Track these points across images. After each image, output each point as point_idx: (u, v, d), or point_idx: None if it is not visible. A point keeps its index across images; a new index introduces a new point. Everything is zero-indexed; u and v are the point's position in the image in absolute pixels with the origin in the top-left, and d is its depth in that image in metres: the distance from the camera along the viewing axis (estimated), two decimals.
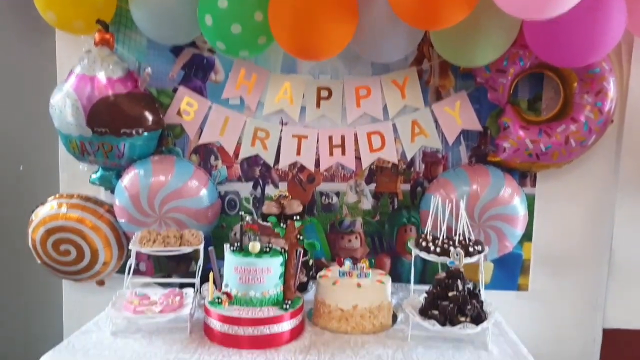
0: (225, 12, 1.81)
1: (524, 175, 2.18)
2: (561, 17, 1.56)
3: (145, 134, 2.07)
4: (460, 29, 1.70)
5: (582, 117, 2.01)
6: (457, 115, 2.17)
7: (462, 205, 1.82)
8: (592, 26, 1.71)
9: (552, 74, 2.09)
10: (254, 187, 2.27)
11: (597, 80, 1.99)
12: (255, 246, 1.72)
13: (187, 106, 2.22)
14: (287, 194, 2.11)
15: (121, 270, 2.06)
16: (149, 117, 2.07)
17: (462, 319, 1.59)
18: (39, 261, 2.13)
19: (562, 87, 2.09)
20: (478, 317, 1.61)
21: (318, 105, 2.21)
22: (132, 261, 1.83)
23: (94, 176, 2.21)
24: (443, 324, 1.59)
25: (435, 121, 2.17)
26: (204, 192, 2.10)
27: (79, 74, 2.02)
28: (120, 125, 2.02)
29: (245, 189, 2.27)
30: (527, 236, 2.16)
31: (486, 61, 1.94)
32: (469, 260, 1.72)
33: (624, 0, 1.71)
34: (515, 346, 1.66)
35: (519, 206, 2.03)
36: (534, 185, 2.19)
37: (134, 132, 2.04)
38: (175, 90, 2.22)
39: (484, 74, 2.06)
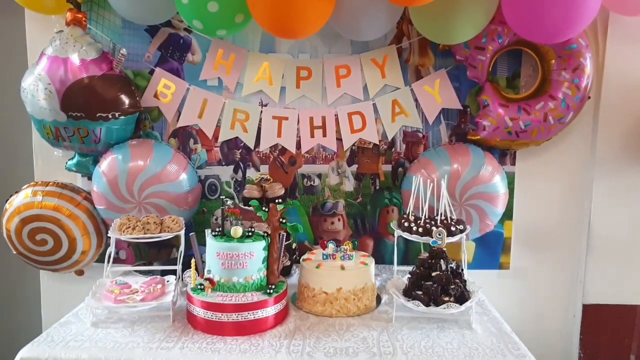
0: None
1: (503, 154, 2.14)
2: None
3: (122, 117, 1.96)
4: (438, 5, 1.64)
5: (560, 94, 1.97)
6: (437, 93, 2.10)
7: (444, 184, 1.77)
8: (569, 1, 1.65)
9: (530, 51, 2.03)
10: (235, 170, 2.18)
11: (574, 57, 1.94)
12: (237, 231, 1.64)
13: (164, 88, 2.10)
14: (268, 177, 2.03)
15: (100, 259, 1.97)
16: (126, 100, 1.95)
17: (446, 298, 1.55)
18: (14, 252, 2.01)
19: (540, 64, 2.03)
20: (462, 297, 1.58)
21: (298, 85, 2.11)
22: (111, 249, 1.74)
23: (70, 162, 2.09)
24: (427, 304, 1.55)
25: (416, 100, 2.10)
26: (183, 176, 2.01)
27: (50, 56, 1.88)
28: (96, 109, 1.90)
29: (225, 173, 2.18)
30: (508, 214, 2.13)
31: (465, 38, 1.86)
32: (451, 239, 1.67)
33: None
34: (498, 324, 1.64)
35: (499, 184, 1.99)
36: (513, 163, 2.15)
37: (110, 115, 1.93)
38: (151, 72, 2.10)
39: (463, 51, 1.99)
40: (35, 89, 1.87)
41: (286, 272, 1.91)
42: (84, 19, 1.94)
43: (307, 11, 1.64)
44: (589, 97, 2.01)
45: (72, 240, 1.99)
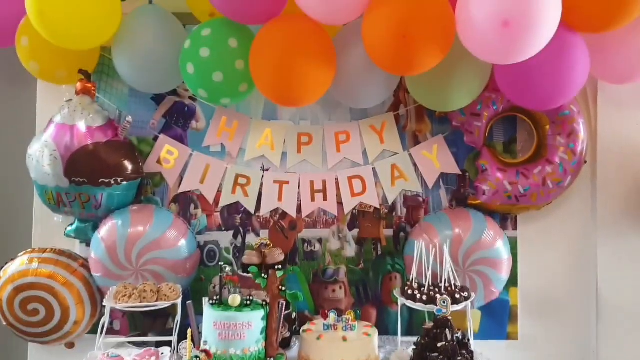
0: (207, 61, 1.78)
1: (504, 218, 2.13)
2: (529, 61, 1.56)
3: (124, 183, 1.97)
4: (434, 74, 1.70)
5: (556, 158, 2.00)
6: (435, 158, 2.13)
7: (446, 249, 1.74)
8: (559, 70, 1.74)
9: (525, 117, 2.09)
10: (234, 236, 2.16)
11: (568, 122, 2.00)
12: (235, 299, 1.60)
13: (168, 154, 2.14)
14: (268, 242, 1.99)
15: (93, 331, 1.89)
16: (129, 166, 1.99)
17: None
18: (3, 323, 1.93)
19: (535, 129, 2.09)
20: None
21: (299, 150, 2.16)
22: (105, 319, 1.67)
23: (69, 229, 2.08)
24: None
25: (414, 165, 2.13)
26: (182, 242, 1.99)
27: (58, 123, 1.95)
28: (99, 174, 1.93)
29: (225, 238, 2.16)
30: (513, 281, 2.09)
31: (460, 105, 1.93)
32: (456, 307, 1.62)
33: (585, 46, 1.73)
34: None
35: (502, 249, 1.96)
36: (515, 228, 2.14)
37: (112, 181, 1.95)
38: (155, 138, 2.15)
39: (459, 117, 2.04)
40: (41, 155, 1.90)
41: (285, 344, 1.83)
42: (93, 88, 2.03)
43: (308, 81, 1.72)
44: (585, 162, 2.04)
45: (65, 310, 1.91)
